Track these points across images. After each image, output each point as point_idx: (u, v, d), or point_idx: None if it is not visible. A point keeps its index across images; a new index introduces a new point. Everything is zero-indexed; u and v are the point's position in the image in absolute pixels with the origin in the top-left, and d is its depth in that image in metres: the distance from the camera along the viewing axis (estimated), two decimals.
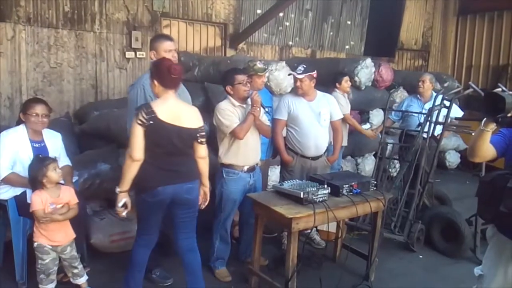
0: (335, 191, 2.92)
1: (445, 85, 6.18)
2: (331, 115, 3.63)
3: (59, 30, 5.04)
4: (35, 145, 2.99)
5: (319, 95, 3.63)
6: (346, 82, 4.66)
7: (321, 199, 2.78)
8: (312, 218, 2.66)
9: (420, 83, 4.60)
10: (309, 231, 3.13)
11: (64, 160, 3.18)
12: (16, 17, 4.74)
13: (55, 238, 2.71)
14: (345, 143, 4.62)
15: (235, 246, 3.50)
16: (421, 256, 3.76)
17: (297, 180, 3.07)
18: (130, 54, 5.55)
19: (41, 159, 2.73)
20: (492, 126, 1.92)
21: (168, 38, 3.05)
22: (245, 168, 3.16)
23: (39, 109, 2.97)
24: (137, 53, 5.59)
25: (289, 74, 3.61)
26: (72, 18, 5.11)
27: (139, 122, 2.42)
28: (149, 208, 2.60)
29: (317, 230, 3.89)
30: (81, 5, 5.15)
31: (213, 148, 4.43)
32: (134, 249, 2.72)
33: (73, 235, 2.79)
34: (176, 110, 2.56)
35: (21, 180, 2.85)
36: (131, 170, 2.46)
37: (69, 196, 2.78)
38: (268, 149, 3.73)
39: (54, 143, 3.12)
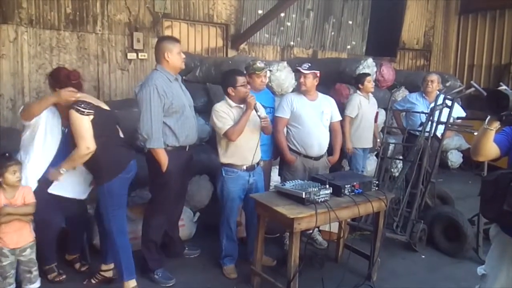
0: (337, 191, 2.92)
1: (447, 84, 6.16)
2: (331, 117, 3.63)
3: (61, 32, 5.06)
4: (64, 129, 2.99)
5: (320, 95, 3.65)
6: (369, 83, 4.50)
7: (323, 199, 2.77)
8: (314, 218, 2.66)
9: (429, 83, 4.57)
10: (311, 231, 3.13)
11: None
12: (18, 19, 4.75)
13: (10, 240, 2.62)
14: (369, 144, 4.63)
15: (240, 246, 3.47)
16: (423, 256, 3.75)
17: (299, 180, 3.07)
18: (132, 55, 5.57)
19: (6, 158, 2.65)
20: (496, 125, 1.92)
21: (178, 40, 3.20)
22: (244, 167, 3.17)
23: None
24: (139, 54, 5.60)
25: (296, 69, 3.62)
26: (74, 20, 5.13)
27: (86, 113, 2.53)
28: (124, 185, 2.77)
29: (319, 230, 3.88)
30: (83, 7, 5.17)
31: (214, 148, 4.41)
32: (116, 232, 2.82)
33: (31, 239, 2.72)
34: (94, 99, 2.76)
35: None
36: (83, 161, 2.60)
37: (23, 196, 2.67)
38: (270, 150, 3.72)
39: None
